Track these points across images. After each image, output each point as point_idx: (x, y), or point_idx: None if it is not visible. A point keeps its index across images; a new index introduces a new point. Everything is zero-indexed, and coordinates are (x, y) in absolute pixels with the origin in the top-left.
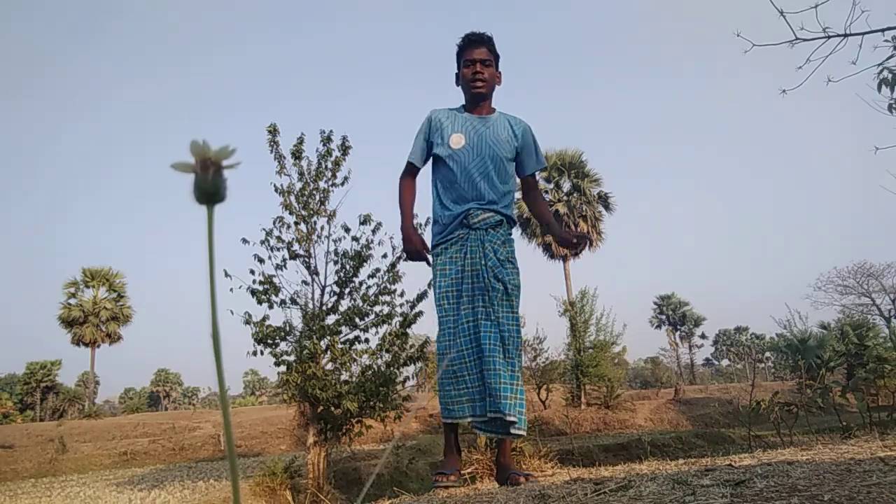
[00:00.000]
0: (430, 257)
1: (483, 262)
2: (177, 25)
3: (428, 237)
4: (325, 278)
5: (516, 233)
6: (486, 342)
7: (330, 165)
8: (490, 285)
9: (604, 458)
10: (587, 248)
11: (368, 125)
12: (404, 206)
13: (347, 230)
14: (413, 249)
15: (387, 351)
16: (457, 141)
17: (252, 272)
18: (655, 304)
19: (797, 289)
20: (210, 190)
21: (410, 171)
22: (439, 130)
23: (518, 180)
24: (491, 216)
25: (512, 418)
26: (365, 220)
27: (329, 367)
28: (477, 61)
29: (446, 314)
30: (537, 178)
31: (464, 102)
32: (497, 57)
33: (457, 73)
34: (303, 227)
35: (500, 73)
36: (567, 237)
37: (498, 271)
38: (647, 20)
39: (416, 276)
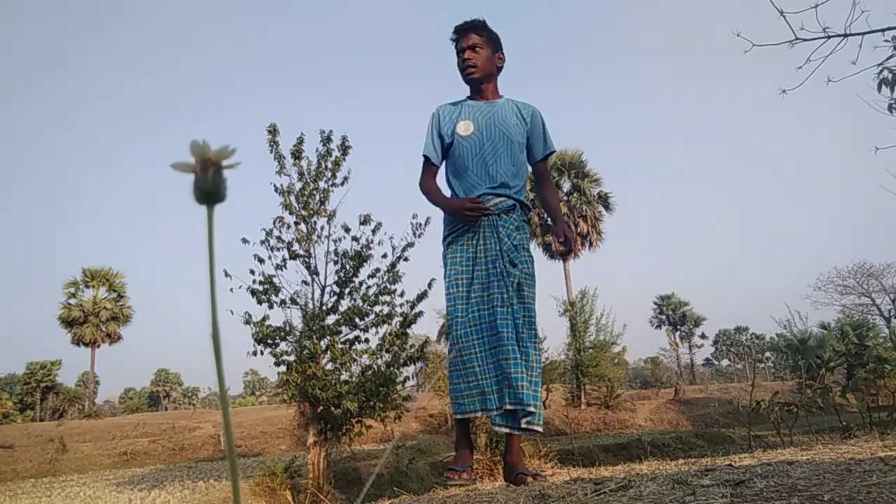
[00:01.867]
0: (481, 205)
1: (498, 247)
2: (176, 24)
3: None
4: (325, 278)
5: None
6: (504, 330)
7: (330, 165)
8: (506, 270)
9: (604, 458)
10: (588, 247)
11: (368, 125)
12: (433, 192)
13: (347, 230)
14: (462, 207)
15: (387, 351)
16: (465, 128)
17: (252, 272)
18: (655, 304)
19: (797, 289)
20: (210, 190)
21: (428, 169)
22: (448, 122)
23: (529, 168)
24: (503, 200)
25: (532, 409)
26: (365, 221)
27: (329, 367)
28: (465, 49)
29: (454, 304)
30: (548, 167)
31: (469, 94)
32: (492, 39)
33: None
34: (303, 227)
35: (501, 54)
36: (559, 232)
37: (514, 256)
38: (647, 19)
39: (416, 276)
